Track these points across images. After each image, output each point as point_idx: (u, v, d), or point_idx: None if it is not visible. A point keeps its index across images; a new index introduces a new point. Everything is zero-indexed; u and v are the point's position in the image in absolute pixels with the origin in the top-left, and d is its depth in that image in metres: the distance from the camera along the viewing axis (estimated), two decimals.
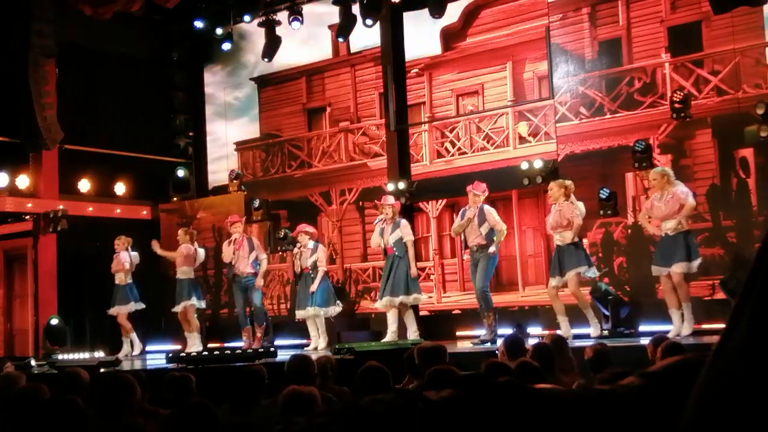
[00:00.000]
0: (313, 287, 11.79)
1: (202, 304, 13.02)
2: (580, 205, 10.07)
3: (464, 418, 0.92)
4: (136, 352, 12.99)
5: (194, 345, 12.51)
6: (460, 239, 10.84)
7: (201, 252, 13.01)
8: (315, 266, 11.90)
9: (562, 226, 9.93)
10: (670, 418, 0.99)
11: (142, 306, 13.08)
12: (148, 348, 13.51)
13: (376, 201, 11.88)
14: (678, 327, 9.32)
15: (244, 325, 12.35)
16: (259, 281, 12.40)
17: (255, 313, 12.35)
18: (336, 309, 12.02)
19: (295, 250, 12.22)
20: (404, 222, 11.25)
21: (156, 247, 13.03)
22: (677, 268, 9.27)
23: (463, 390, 0.94)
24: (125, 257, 12.93)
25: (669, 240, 9.41)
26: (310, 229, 12.38)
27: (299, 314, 12.07)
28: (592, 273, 10.08)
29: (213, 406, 4.28)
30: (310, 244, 12.02)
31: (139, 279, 13.24)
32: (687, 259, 9.28)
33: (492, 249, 10.34)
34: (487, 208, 10.51)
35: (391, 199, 11.58)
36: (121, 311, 12.95)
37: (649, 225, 9.81)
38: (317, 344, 11.76)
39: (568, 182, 10.20)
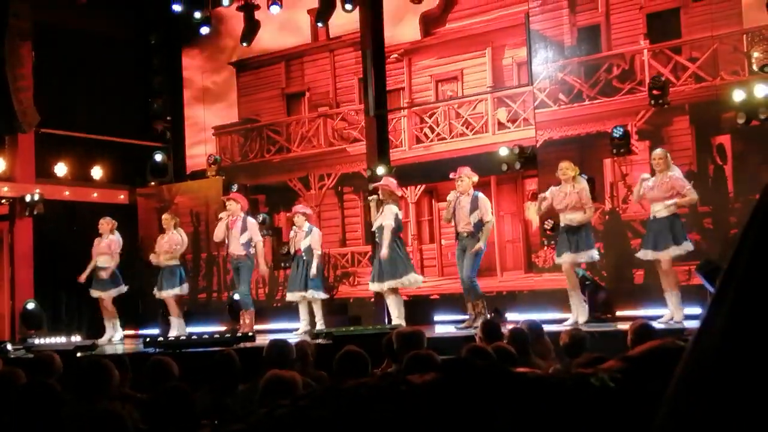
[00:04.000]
0: (313, 271, 11.63)
1: (185, 290, 12.87)
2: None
3: (448, 402, 0.93)
4: (119, 337, 12.85)
5: (179, 329, 12.46)
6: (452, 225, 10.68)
7: (183, 237, 12.79)
8: (309, 249, 11.68)
9: (573, 208, 9.88)
10: (650, 402, 1.00)
11: (124, 290, 12.94)
12: (126, 332, 13.44)
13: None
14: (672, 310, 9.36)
15: (246, 308, 11.84)
16: (263, 268, 11.92)
17: (240, 299, 11.97)
18: (324, 294, 11.92)
19: (291, 232, 11.94)
20: (388, 207, 10.91)
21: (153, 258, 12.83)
22: (665, 255, 9.34)
23: (446, 374, 0.95)
24: (114, 239, 12.78)
25: (656, 224, 9.46)
26: (308, 210, 12.19)
27: (291, 297, 11.78)
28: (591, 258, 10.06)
29: (190, 391, 4.27)
30: (306, 226, 11.79)
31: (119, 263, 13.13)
32: (675, 243, 9.33)
33: (479, 245, 10.18)
34: (482, 197, 10.38)
35: (385, 180, 11.18)
36: (111, 295, 12.79)
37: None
38: (305, 328, 11.60)
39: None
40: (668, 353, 1.10)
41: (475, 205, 10.26)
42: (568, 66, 12.13)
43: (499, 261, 13.06)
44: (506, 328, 7.01)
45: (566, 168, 10.02)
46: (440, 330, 10.90)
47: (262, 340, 9.05)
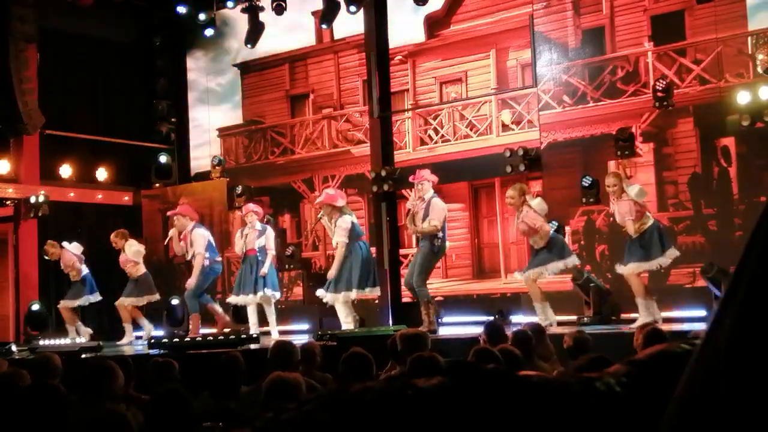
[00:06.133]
0: (264, 270, 11.44)
1: (141, 302, 12.73)
2: (538, 202, 9.93)
3: (455, 406, 0.93)
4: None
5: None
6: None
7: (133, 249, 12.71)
8: (263, 249, 11.59)
9: (532, 233, 9.88)
10: (655, 406, 1.00)
11: (89, 300, 12.90)
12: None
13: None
14: (653, 314, 9.31)
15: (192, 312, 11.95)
16: (189, 281, 11.83)
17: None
18: (278, 294, 11.83)
19: (245, 230, 11.76)
20: (341, 219, 10.76)
21: None
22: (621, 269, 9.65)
23: (452, 377, 0.95)
24: (69, 255, 12.77)
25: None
26: (259, 209, 12.08)
27: (241, 300, 11.63)
28: (571, 263, 10.03)
29: (187, 393, 4.27)
30: (258, 225, 11.71)
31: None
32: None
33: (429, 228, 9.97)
34: (435, 202, 10.20)
35: (324, 195, 11.08)
36: (71, 305, 12.81)
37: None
38: (257, 330, 11.41)
39: (524, 185, 10.10)
40: (675, 357, 1.10)
41: (427, 212, 10.12)
42: (573, 68, 12.12)
43: (503, 263, 13.05)
44: (509, 330, 7.01)
45: (508, 197, 10.02)
46: (444, 332, 10.88)
47: (266, 342, 9.05)
